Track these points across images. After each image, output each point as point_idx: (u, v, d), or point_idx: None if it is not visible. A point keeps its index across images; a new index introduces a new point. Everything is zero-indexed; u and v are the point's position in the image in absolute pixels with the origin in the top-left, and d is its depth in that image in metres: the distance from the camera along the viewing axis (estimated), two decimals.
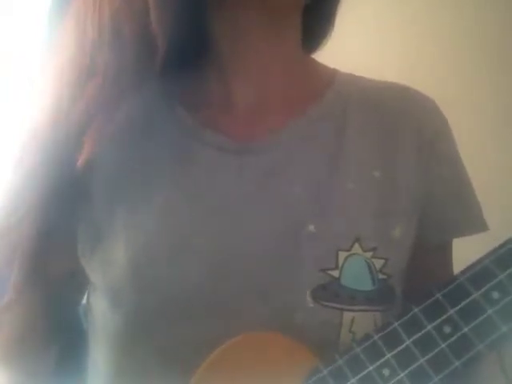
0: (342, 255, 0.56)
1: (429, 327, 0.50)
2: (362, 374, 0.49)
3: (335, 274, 0.55)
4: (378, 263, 0.57)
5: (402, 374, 0.49)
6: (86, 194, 0.59)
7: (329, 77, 0.64)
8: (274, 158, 0.59)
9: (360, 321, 0.55)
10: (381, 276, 0.56)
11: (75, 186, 0.58)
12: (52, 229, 0.59)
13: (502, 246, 0.51)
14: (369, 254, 0.56)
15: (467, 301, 0.50)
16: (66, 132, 0.55)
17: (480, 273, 0.50)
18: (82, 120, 0.55)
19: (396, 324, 0.50)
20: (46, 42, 0.58)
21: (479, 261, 0.51)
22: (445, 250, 0.65)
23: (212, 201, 0.58)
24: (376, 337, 0.50)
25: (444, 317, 0.50)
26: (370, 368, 0.49)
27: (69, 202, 0.59)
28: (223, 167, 0.58)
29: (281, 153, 0.59)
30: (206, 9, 0.58)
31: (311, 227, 0.56)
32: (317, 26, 0.66)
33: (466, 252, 0.60)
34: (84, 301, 0.64)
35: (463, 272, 0.51)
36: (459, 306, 0.50)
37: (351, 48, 0.69)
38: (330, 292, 0.55)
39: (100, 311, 0.59)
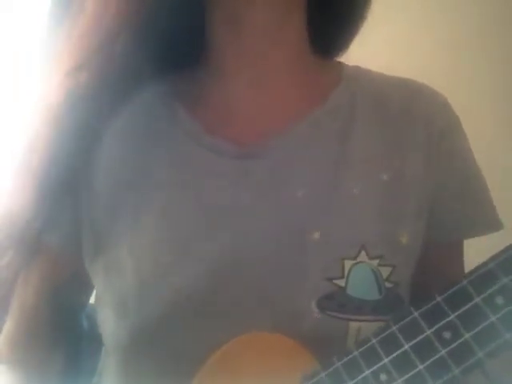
0: (348, 264, 0.54)
1: (428, 332, 0.48)
2: (358, 379, 0.49)
3: (341, 283, 0.54)
4: (385, 271, 0.55)
5: (399, 380, 0.48)
6: (87, 199, 0.60)
7: (336, 74, 0.62)
8: (275, 163, 0.57)
9: (367, 331, 0.53)
10: (388, 285, 0.55)
11: (77, 189, 0.59)
12: (54, 230, 0.60)
13: (507, 249, 0.48)
14: (375, 262, 0.55)
15: (469, 306, 0.48)
16: (67, 133, 0.56)
17: (484, 277, 0.48)
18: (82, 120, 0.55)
19: (395, 328, 0.49)
20: (46, 42, 0.58)
21: (483, 264, 0.49)
22: (455, 250, 0.62)
23: (212, 206, 0.57)
24: (374, 340, 0.49)
25: (444, 322, 0.48)
26: (367, 372, 0.48)
27: (70, 206, 0.59)
28: (223, 172, 0.58)
29: (282, 157, 0.58)
30: (206, 8, 0.57)
31: (316, 234, 0.55)
32: (334, 31, 0.64)
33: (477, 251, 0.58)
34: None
35: (466, 276, 0.49)
36: (461, 311, 0.48)
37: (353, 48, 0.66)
38: (336, 302, 0.54)
39: (105, 324, 0.59)
